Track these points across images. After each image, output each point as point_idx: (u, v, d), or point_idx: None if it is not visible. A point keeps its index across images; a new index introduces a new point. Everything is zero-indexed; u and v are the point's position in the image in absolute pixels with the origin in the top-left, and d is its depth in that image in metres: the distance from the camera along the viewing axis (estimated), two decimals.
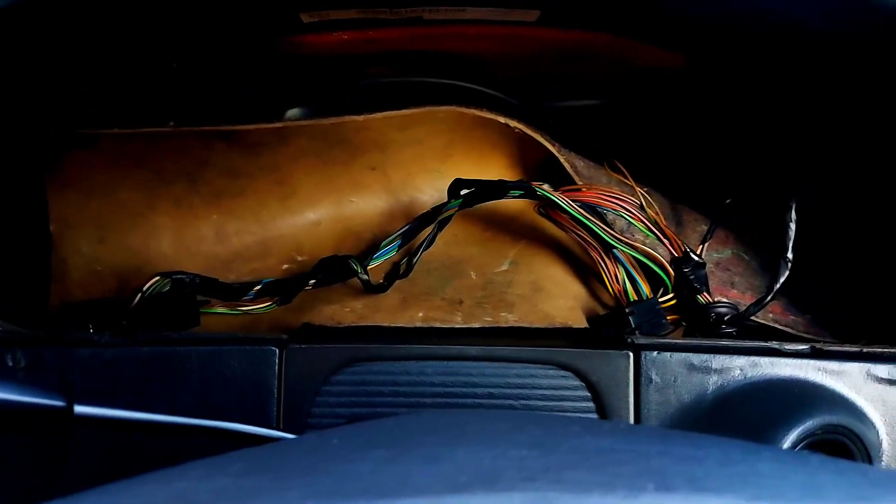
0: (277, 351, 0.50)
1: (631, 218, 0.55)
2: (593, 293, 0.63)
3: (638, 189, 0.60)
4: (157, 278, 0.60)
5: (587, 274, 0.64)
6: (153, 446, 0.45)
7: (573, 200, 0.54)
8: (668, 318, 0.59)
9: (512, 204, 0.66)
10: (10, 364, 0.49)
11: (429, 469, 0.20)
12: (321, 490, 0.20)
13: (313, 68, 0.58)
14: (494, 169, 0.68)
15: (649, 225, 0.55)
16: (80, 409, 0.32)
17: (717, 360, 0.50)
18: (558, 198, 0.54)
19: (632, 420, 0.50)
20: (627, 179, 0.60)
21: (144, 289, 0.60)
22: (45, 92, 0.56)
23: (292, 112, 0.62)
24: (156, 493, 0.22)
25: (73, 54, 0.52)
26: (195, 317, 0.58)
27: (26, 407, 0.30)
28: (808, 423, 0.46)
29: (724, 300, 0.60)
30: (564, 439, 0.23)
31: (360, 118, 0.61)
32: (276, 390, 0.50)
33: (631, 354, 0.50)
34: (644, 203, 0.56)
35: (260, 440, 0.38)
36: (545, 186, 0.57)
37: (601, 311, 0.62)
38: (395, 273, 0.62)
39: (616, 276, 0.60)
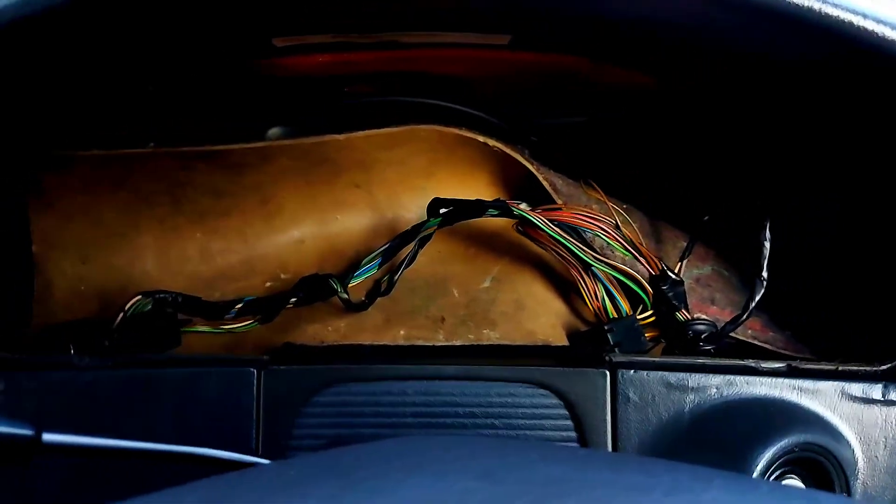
0: (256, 372, 0.50)
1: (606, 237, 0.55)
2: (575, 310, 0.63)
3: (612, 207, 0.60)
4: (139, 297, 0.60)
5: (569, 291, 0.64)
6: (124, 475, 0.45)
7: (550, 220, 0.55)
8: (648, 335, 0.59)
9: (494, 222, 0.67)
10: None
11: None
12: None
13: (293, 88, 0.58)
14: (477, 187, 0.69)
15: (624, 244, 0.56)
16: (48, 437, 0.32)
17: (694, 379, 0.50)
18: (535, 217, 0.55)
19: (609, 439, 0.50)
20: (602, 197, 0.60)
21: (126, 308, 0.60)
22: (24, 114, 0.56)
23: (274, 131, 0.63)
24: None
25: (52, 77, 0.53)
26: (177, 336, 0.58)
27: None
28: (782, 442, 0.47)
29: (703, 317, 0.60)
30: (515, 469, 0.23)
31: (342, 137, 0.61)
32: (255, 412, 0.50)
33: (608, 373, 0.50)
34: (619, 221, 0.57)
35: (232, 465, 0.38)
36: (522, 206, 0.57)
37: (583, 328, 0.62)
38: (376, 291, 0.62)
39: (595, 294, 0.60)
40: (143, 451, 0.36)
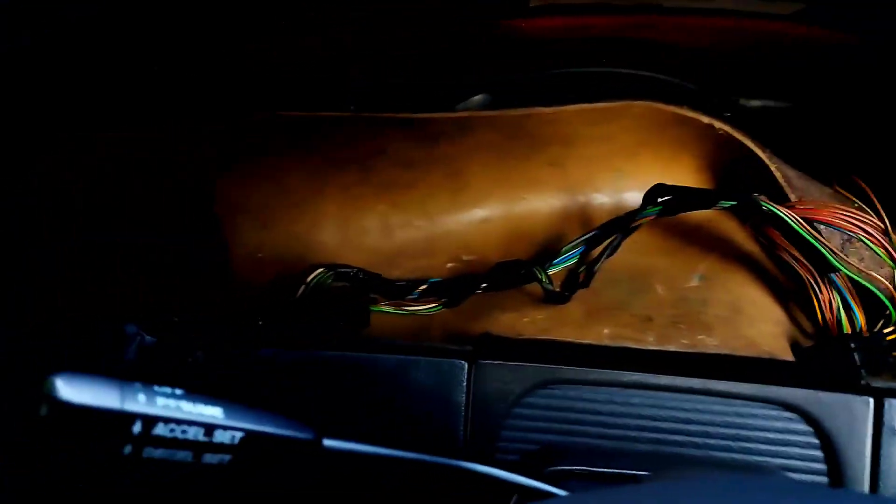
0: (466, 365, 0.46)
1: (870, 241, 0.48)
2: (794, 320, 0.56)
3: (862, 206, 0.53)
4: (322, 270, 0.57)
5: (786, 296, 0.57)
6: None
7: (803, 218, 0.48)
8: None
9: (697, 212, 0.60)
10: (190, 361, 0.46)
11: None
12: None
13: (509, 53, 0.53)
14: (682, 172, 0.62)
15: (891, 251, 0.48)
16: (328, 442, 0.29)
17: None
18: (784, 214, 0.48)
19: (867, 476, 0.43)
20: (851, 197, 0.53)
21: (308, 280, 0.57)
22: (222, 75, 0.53)
23: (475, 99, 0.57)
24: None
25: (256, 32, 0.49)
26: (366, 317, 0.55)
27: (277, 438, 0.27)
28: None
29: None
30: None
31: (551, 110, 0.56)
32: (465, 408, 0.46)
33: (871, 400, 0.44)
34: (882, 224, 0.49)
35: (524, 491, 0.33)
36: (764, 198, 0.50)
37: (803, 341, 0.55)
38: (573, 282, 0.57)
39: (830, 304, 0.53)
40: (424, 463, 0.32)
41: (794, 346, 0.55)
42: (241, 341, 0.46)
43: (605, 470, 0.41)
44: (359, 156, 0.58)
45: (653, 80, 0.60)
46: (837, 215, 0.47)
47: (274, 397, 0.45)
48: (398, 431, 0.45)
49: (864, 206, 0.56)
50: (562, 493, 0.33)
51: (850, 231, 0.48)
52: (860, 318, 0.53)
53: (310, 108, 0.56)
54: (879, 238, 0.48)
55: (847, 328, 0.53)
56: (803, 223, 0.48)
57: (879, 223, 0.51)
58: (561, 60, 0.56)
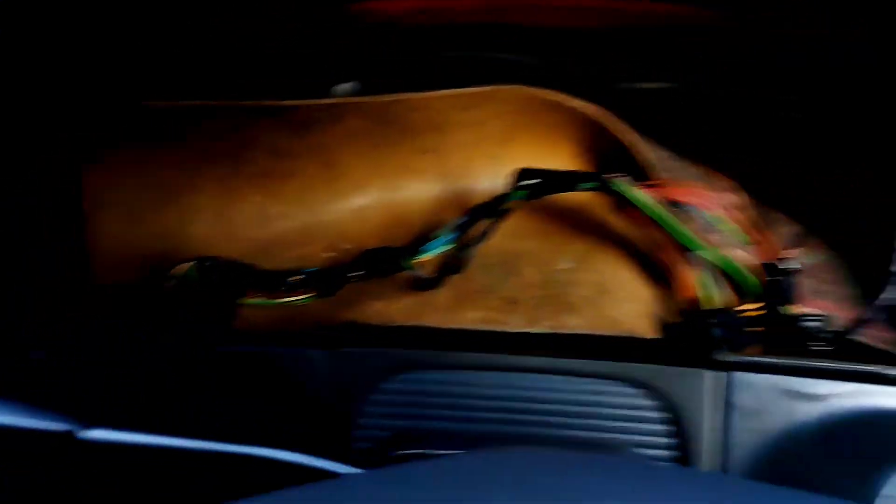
0: (322, 354, 0.46)
1: (725, 219, 0.49)
2: (664, 299, 0.57)
3: (732, 186, 0.54)
4: (191, 264, 0.56)
5: (657, 276, 0.58)
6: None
7: (658, 197, 0.48)
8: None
9: (576, 195, 0.61)
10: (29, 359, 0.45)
11: None
12: None
13: (374, 39, 0.52)
14: (560, 156, 0.62)
15: (742, 227, 0.49)
16: (84, 433, 0.28)
17: (818, 386, 0.44)
18: (639, 195, 0.48)
19: (715, 449, 0.44)
20: (724, 177, 0.54)
21: (175, 273, 0.56)
22: (86, 62, 0.52)
23: (345, 87, 0.57)
24: None
25: (120, 20, 0.48)
26: (233, 310, 0.54)
27: (28, 431, 0.26)
28: None
29: (816, 313, 0.53)
30: None
31: (419, 96, 0.55)
32: (321, 397, 0.45)
33: (719, 374, 0.44)
34: (742, 203, 0.50)
35: (306, 471, 0.33)
36: (623, 180, 0.50)
37: (672, 320, 0.56)
38: (447, 268, 0.56)
39: (693, 281, 0.54)
40: (190, 451, 0.31)
41: (664, 325, 0.55)
42: (92, 340, 0.45)
43: (439, 451, 0.41)
44: (231, 146, 0.57)
45: (526, 65, 0.60)
46: (694, 195, 0.48)
47: (124, 394, 0.44)
48: (250, 424, 0.45)
49: (732, 186, 0.57)
50: (354, 471, 0.33)
51: (708, 210, 0.49)
52: (725, 296, 0.54)
53: (181, 98, 0.55)
54: (737, 216, 0.49)
55: (711, 305, 0.54)
56: (658, 204, 0.48)
57: (738, 202, 0.52)
58: (433, 46, 0.56)
